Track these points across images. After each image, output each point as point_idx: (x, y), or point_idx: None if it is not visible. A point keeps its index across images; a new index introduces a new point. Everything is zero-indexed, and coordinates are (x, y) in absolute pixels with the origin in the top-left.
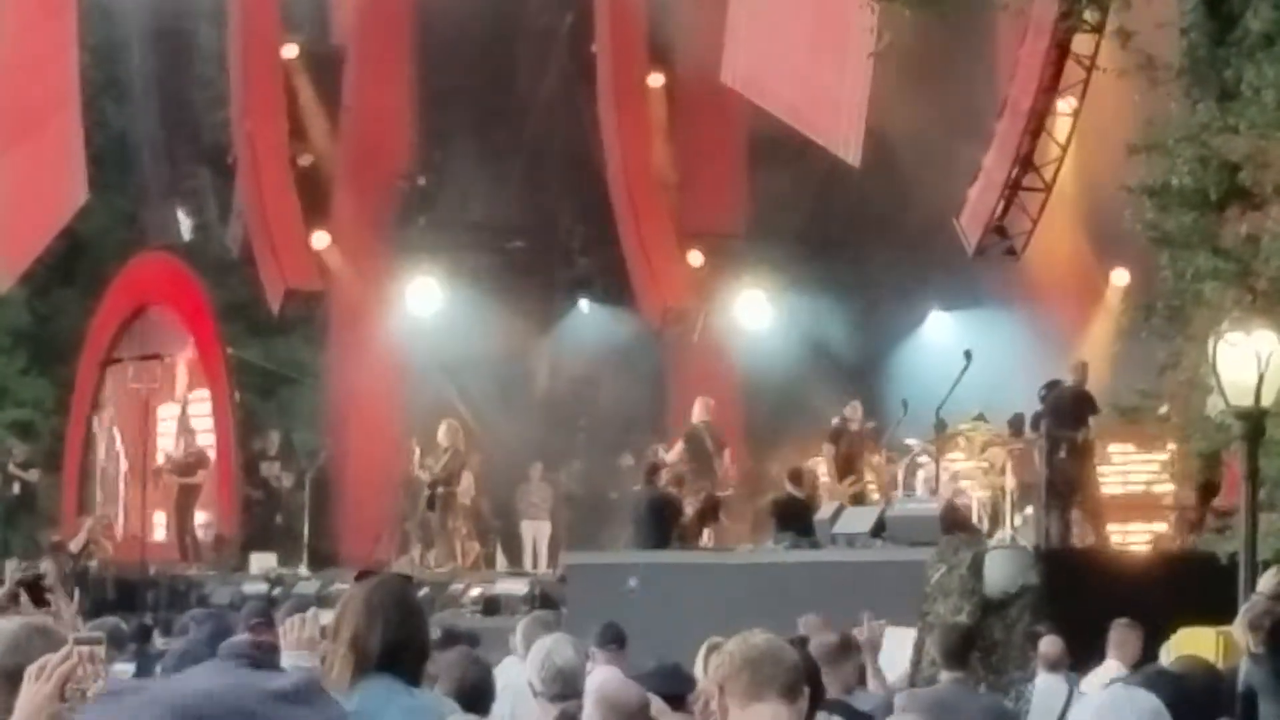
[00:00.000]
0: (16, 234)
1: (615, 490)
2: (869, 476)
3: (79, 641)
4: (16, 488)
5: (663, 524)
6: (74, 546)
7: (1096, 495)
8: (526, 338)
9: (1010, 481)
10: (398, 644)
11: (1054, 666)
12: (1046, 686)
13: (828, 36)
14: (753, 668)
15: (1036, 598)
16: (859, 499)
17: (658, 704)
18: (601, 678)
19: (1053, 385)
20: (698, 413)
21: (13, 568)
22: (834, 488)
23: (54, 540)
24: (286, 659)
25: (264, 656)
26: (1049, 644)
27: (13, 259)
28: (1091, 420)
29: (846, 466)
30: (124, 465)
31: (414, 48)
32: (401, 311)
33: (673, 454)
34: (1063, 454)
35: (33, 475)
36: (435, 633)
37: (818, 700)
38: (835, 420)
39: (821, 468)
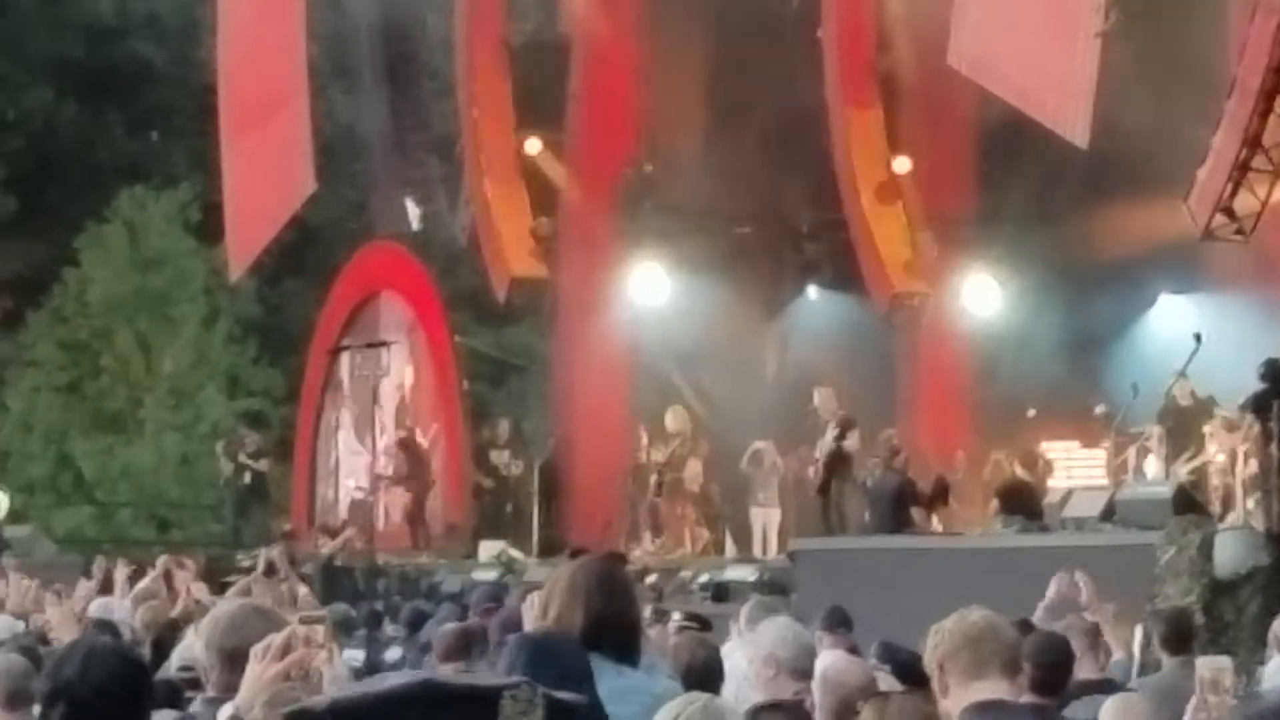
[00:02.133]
0: (246, 224)
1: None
2: (1212, 448)
3: (303, 620)
4: (248, 477)
5: (904, 509)
6: (326, 550)
7: None
8: (754, 324)
9: (1243, 464)
10: (601, 622)
11: None
12: (1278, 668)
13: (1055, 17)
14: (973, 645)
15: (1268, 579)
16: (1199, 475)
17: (888, 681)
18: (829, 659)
19: (1272, 364)
20: (832, 401)
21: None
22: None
23: (285, 529)
24: None
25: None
26: None
27: (243, 249)
28: None
29: (1181, 444)
30: (353, 454)
31: (641, 34)
32: (628, 299)
33: (854, 440)
34: None
35: (264, 465)
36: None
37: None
38: (1163, 402)
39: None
